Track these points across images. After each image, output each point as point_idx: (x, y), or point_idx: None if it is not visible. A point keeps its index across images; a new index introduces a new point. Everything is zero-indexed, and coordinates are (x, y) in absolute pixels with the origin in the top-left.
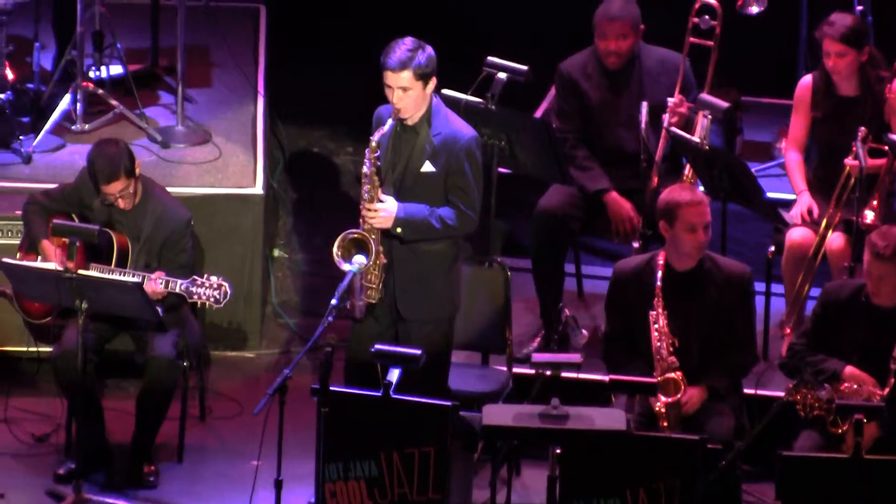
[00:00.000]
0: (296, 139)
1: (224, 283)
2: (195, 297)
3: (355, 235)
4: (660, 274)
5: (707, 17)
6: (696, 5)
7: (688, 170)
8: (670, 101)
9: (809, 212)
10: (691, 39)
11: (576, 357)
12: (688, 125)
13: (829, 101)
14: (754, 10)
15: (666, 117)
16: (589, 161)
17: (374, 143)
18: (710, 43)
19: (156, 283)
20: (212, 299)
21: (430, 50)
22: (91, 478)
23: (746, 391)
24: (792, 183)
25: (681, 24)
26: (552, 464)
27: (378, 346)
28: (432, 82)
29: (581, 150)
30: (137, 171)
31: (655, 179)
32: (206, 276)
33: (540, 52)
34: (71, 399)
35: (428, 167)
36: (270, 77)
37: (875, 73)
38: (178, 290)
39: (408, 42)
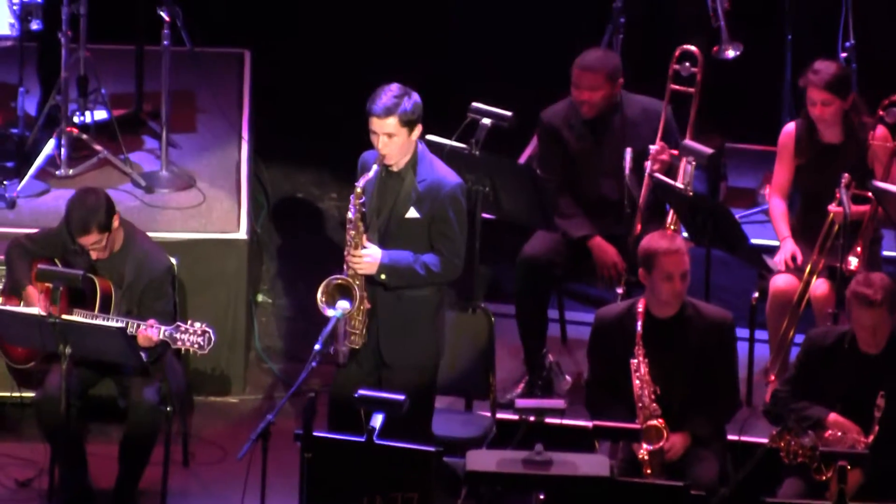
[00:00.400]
0: (280, 184)
1: (208, 330)
2: (179, 343)
3: (339, 281)
4: (640, 322)
5: (688, 63)
6: (677, 52)
7: (670, 217)
8: (652, 148)
9: (793, 258)
10: (673, 86)
11: (559, 403)
12: (670, 172)
13: (812, 147)
14: (731, 54)
15: (648, 164)
16: (571, 208)
17: (358, 189)
18: (692, 90)
19: (151, 331)
20: (196, 345)
21: (416, 97)
22: None
23: (730, 437)
24: (776, 229)
25: (663, 71)
26: None
27: (361, 392)
28: (418, 129)
29: (563, 198)
30: (115, 224)
31: (639, 226)
32: (189, 322)
33: (523, 97)
34: (54, 444)
35: (413, 213)
36: (255, 122)
37: (858, 119)
38: (161, 336)
39: (394, 88)
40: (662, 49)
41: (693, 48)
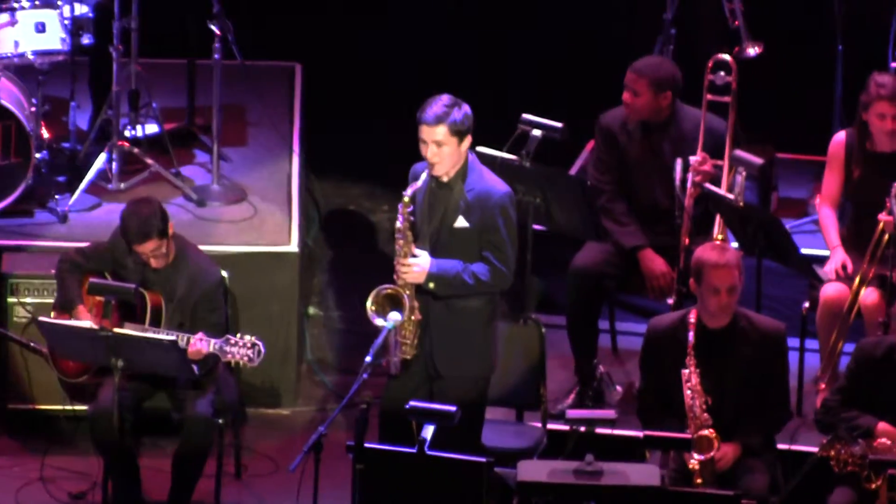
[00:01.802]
0: (331, 197)
1: (258, 343)
2: (229, 356)
3: (389, 291)
4: (692, 332)
5: (722, 73)
6: (710, 63)
7: (717, 228)
8: (693, 159)
9: (844, 267)
10: (708, 96)
11: (610, 413)
12: (714, 182)
13: (863, 157)
14: (751, 52)
15: (690, 175)
16: (626, 217)
17: (406, 198)
18: (728, 99)
19: (201, 344)
20: (245, 358)
21: (466, 108)
22: None
23: (780, 447)
24: (826, 239)
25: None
26: None
27: (412, 403)
28: (467, 140)
29: (619, 205)
30: (170, 231)
31: (686, 238)
32: (239, 335)
33: (575, 109)
34: (107, 457)
35: (462, 223)
36: (306, 135)
37: None
38: (211, 349)
39: (445, 98)
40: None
41: (727, 57)
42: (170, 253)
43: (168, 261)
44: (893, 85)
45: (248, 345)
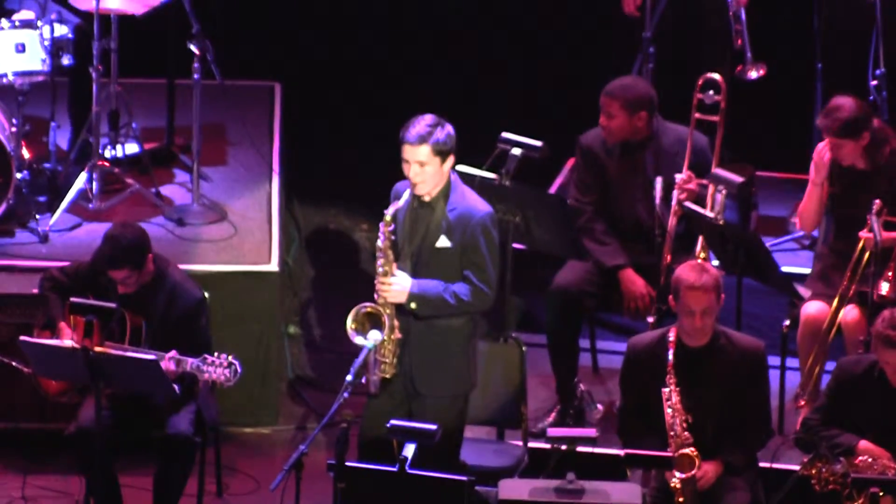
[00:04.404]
0: (311, 216)
1: (234, 362)
2: (206, 375)
3: (369, 309)
4: (671, 351)
5: (711, 91)
6: (700, 81)
7: (699, 247)
8: (678, 177)
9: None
10: (697, 115)
11: (591, 432)
12: (698, 201)
13: (843, 174)
14: (753, 74)
15: (675, 193)
16: (607, 236)
17: (388, 217)
18: (716, 118)
19: (168, 363)
20: (222, 377)
21: (449, 128)
22: None
23: (762, 465)
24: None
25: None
26: None
27: (393, 422)
28: (450, 159)
29: (599, 224)
30: (149, 260)
31: (668, 256)
32: (216, 354)
33: (554, 128)
34: (88, 476)
35: (444, 242)
36: (286, 154)
37: (888, 147)
38: (188, 369)
39: (428, 118)
40: (690, 77)
41: (717, 76)
42: (144, 278)
43: (142, 283)
44: (838, 118)
45: (225, 364)
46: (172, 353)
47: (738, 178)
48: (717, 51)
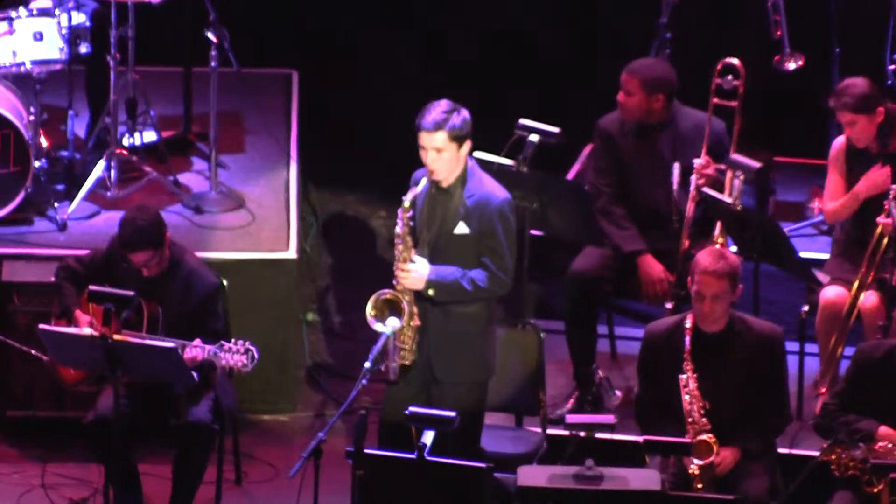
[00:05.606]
0: (329, 204)
1: (251, 348)
2: (223, 361)
3: (388, 296)
4: (688, 337)
5: (730, 77)
6: (719, 66)
7: (717, 232)
8: (696, 162)
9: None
10: (715, 100)
11: (609, 418)
12: (716, 187)
13: (860, 160)
14: (791, 66)
15: (693, 179)
16: (626, 221)
17: (406, 203)
18: (734, 103)
19: (195, 351)
20: (239, 363)
21: (465, 113)
22: None
23: (781, 451)
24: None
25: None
26: None
27: (412, 409)
28: (467, 145)
29: (619, 208)
30: (167, 241)
31: (686, 241)
32: (233, 340)
33: (572, 114)
34: (107, 464)
35: (461, 229)
36: (303, 142)
37: None
38: (205, 356)
39: (443, 104)
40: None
41: (735, 61)
42: (163, 262)
43: (162, 269)
44: (851, 94)
45: (242, 350)
46: (197, 341)
47: (756, 164)
48: (752, 39)
